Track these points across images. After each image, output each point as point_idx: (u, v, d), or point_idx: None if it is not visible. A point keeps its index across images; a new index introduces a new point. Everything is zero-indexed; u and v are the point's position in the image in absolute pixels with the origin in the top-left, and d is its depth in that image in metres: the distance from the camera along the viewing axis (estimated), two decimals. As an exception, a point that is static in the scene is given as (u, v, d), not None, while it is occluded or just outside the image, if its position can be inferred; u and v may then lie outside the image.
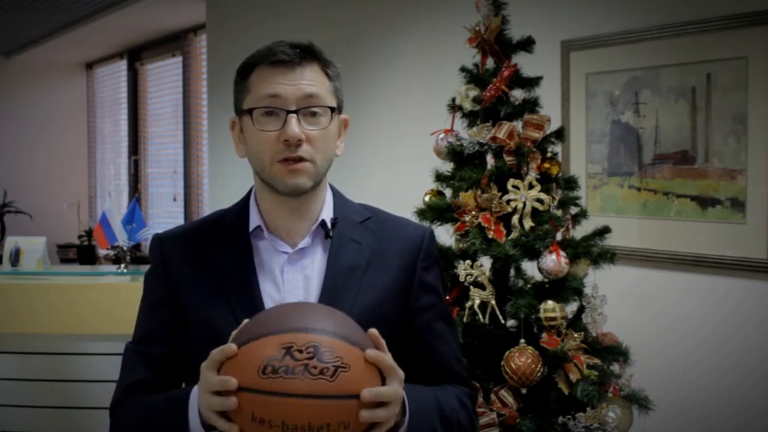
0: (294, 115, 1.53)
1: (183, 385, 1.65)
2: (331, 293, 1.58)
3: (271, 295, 1.59)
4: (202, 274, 1.60)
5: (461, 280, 2.55)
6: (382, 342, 1.40)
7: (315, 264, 1.61)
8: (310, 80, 1.55)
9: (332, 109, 1.57)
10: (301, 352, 1.32)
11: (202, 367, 1.38)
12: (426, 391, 1.57)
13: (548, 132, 2.65)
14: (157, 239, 1.67)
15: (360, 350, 1.36)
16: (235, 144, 1.64)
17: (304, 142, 1.53)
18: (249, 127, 1.57)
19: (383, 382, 1.38)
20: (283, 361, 1.31)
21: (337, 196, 1.68)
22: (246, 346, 1.35)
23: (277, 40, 1.59)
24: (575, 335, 2.51)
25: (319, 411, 1.30)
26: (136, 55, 9.30)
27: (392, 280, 1.62)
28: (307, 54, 1.57)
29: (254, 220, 1.62)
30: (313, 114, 1.55)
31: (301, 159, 1.54)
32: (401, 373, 1.41)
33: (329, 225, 1.62)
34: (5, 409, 4.08)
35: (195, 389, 1.45)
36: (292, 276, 1.60)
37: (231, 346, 1.35)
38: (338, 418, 1.31)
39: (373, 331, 1.40)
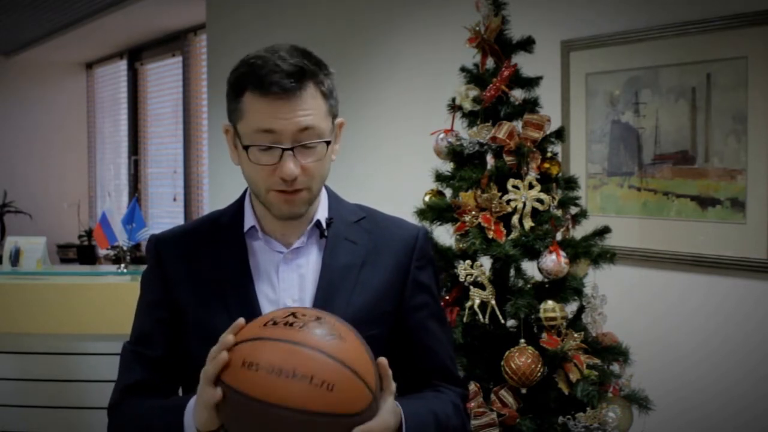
0: (290, 152, 1.50)
1: (180, 387, 1.66)
2: (326, 292, 1.58)
3: (266, 294, 1.59)
4: (198, 274, 1.60)
5: (461, 280, 2.55)
6: (388, 372, 1.41)
7: (310, 263, 1.61)
8: (305, 110, 1.50)
9: (328, 143, 1.54)
10: (305, 315, 1.36)
11: (211, 351, 1.38)
12: (423, 406, 1.58)
13: (548, 132, 2.65)
14: (154, 240, 1.67)
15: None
16: (230, 150, 1.61)
17: (300, 173, 1.52)
18: (244, 156, 1.54)
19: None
20: (285, 318, 1.35)
21: (332, 196, 1.68)
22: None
23: (269, 52, 1.52)
24: (575, 335, 2.51)
25: (307, 361, 1.30)
26: (136, 55, 9.30)
27: (387, 279, 1.62)
28: (301, 78, 1.50)
29: (249, 221, 1.62)
30: (310, 145, 1.52)
31: (297, 191, 1.53)
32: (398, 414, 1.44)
33: (324, 225, 1.62)
34: (5, 409, 4.08)
35: (193, 399, 1.45)
36: (287, 275, 1.60)
37: (229, 337, 1.37)
38: (323, 375, 1.30)
39: (383, 360, 1.41)
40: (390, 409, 1.42)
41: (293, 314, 1.35)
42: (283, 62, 1.50)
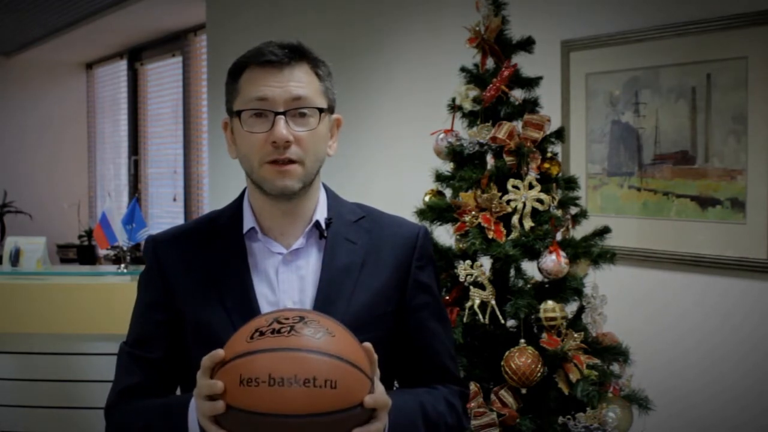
0: (282, 116, 1.52)
1: (179, 388, 1.65)
2: (326, 293, 1.57)
3: (266, 296, 1.58)
4: (197, 276, 1.60)
5: (461, 280, 2.55)
6: (375, 357, 1.39)
7: (310, 264, 1.60)
8: (298, 81, 1.55)
9: (321, 110, 1.56)
10: (287, 319, 1.34)
11: (198, 374, 1.38)
12: (411, 399, 1.57)
13: (548, 132, 2.65)
14: (151, 241, 1.66)
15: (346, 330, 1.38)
16: (228, 145, 1.63)
17: (293, 143, 1.53)
18: (238, 128, 1.57)
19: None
20: (270, 326, 1.33)
21: (331, 196, 1.68)
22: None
23: (266, 41, 1.59)
24: (575, 335, 2.51)
25: (306, 364, 1.29)
26: (136, 55, 9.30)
27: (387, 279, 1.61)
28: (295, 54, 1.56)
29: (248, 222, 1.62)
30: (302, 115, 1.55)
31: (289, 161, 1.53)
32: (390, 403, 1.40)
33: (323, 225, 1.62)
34: (5, 409, 4.08)
35: (193, 403, 1.44)
36: (287, 277, 1.59)
37: (218, 351, 1.35)
38: (325, 374, 1.29)
39: (368, 345, 1.39)
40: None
41: (276, 320, 1.34)
42: (280, 42, 1.58)
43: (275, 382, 1.28)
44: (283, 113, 1.53)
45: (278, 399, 1.28)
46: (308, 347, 1.31)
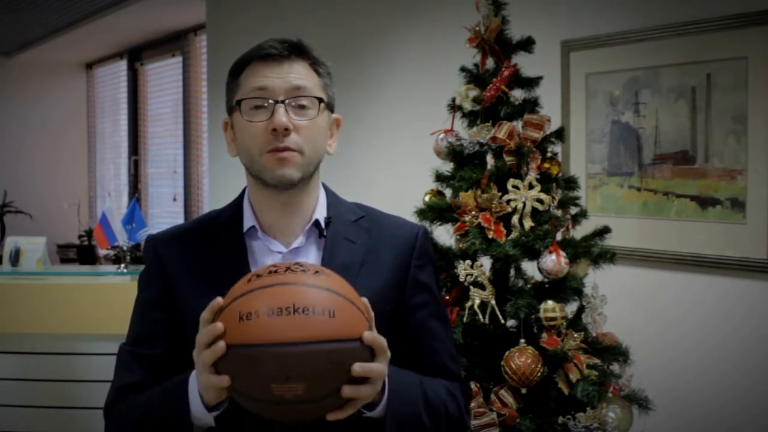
0: (281, 105, 1.54)
1: None
2: None
3: None
4: (197, 275, 1.60)
5: (461, 280, 2.55)
6: (371, 314, 1.40)
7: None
8: (298, 74, 1.57)
9: (320, 100, 1.58)
10: (285, 263, 1.37)
11: (198, 335, 1.38)
12: (411, 376, 1.57)
13: (548, 132, 2.66)
14: (151, 240, 1.67)
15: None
16: (228, 145, 1.65)
17: (292, 131, 1.54)
18: (238, 120, 1.58)
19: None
20: (269, 269, 1.36)
21: (331, 195, 1.68)
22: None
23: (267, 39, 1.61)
24: (575, 335, 2.51)
25: (304, 295, 1.31)
26: (136, 55, 9.30)
27: (387, 279, 1.62)
28: (295, 49, 1.59)
29: (248, 221, 1.62)
30: (302, 106, 1.56)
31: (289, 149, 1.54)
32: (389, 354, 1.41)
33: (323, 224, 1.62)
34: (5, 409, 4.08)
35: (193, 373, 1.44)
36: None
37: (217, 299, 1.37)
38: (322, 305, 1.31)
39: (365, 299, 1.41)
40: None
41: (274, 266, 1.37)
42: (281, 38, 1.60)
43: (273, 313, 1.29)
44: (283, 102, 1.54)
45: (276, 328, 1.29)
46: (305, 281, 1.33)
